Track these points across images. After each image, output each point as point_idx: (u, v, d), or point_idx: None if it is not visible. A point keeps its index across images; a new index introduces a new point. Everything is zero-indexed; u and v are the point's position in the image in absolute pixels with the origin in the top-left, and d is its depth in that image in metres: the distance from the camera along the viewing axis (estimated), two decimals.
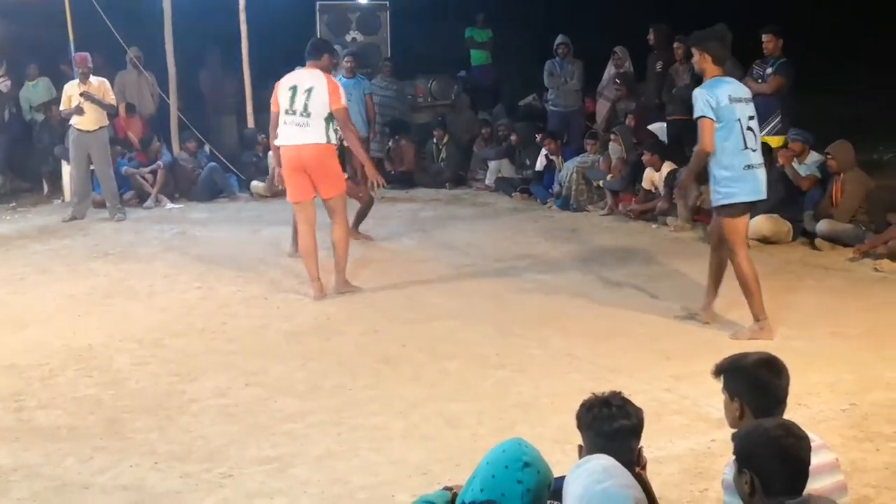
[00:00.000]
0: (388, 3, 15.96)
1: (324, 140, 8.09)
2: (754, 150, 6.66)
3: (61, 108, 12.20)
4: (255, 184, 13.56)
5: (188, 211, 12.70)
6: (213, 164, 13.47)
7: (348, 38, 15.69)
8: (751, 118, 6.68)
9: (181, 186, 13.52)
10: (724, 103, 6.56)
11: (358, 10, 16.00)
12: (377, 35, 15.86)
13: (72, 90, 11.90)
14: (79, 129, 11.87)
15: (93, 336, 7.15)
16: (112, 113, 12.41)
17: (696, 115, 6.66)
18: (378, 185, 8.54)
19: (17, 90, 14.70)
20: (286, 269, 9.05)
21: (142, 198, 13.08)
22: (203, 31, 14.78)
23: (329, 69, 8.36)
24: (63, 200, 13.40)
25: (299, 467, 4.90)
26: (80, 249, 10.29)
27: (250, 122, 14.38)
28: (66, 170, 13.44)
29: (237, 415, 5.62)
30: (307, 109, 8.05)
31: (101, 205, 12.36)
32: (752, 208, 6.89)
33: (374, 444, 5.16)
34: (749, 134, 6.63)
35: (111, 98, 12.14)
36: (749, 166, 6.64)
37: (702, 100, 6.60)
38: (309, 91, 8.05)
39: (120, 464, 4.97)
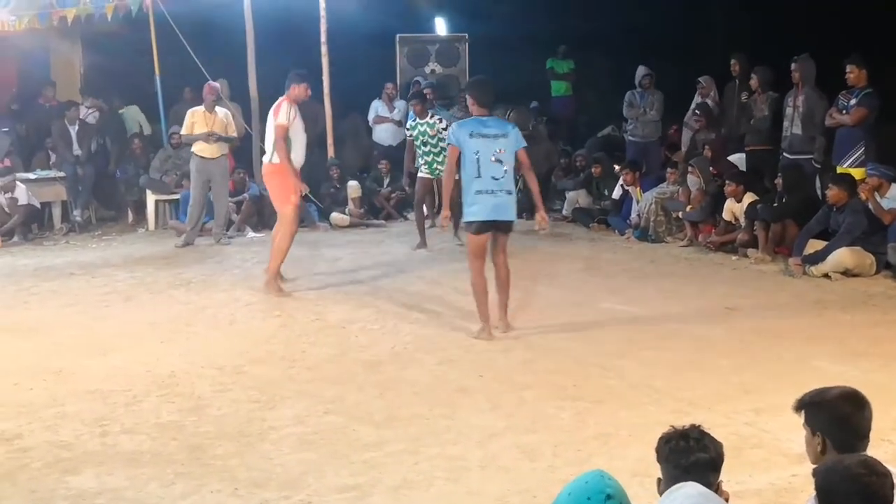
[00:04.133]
0: (466, 35, 16.09)
1: (267, 160, 9.51)
2: (495, 179, 7.59)
3: (182, 132, 12.51)
4: (334, 215, 13.71)
5: (269, 240, 12.78)
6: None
7: (427, 69, 15.88)
8: (500, 151, 7.61)
9: (263, 216, 13.70)
10: (464, 139, 7.60)
11: (437, 42, 16.20)
12: (456, 66, 16.01)
13: (195, 117, 12.23)
14: (201, 157, 12.21)
15: (175, 363, 7.25)
16: (235, 143, 12.90)
17: (446, 142, 8.26)
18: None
19: (104, 120, 15.08)
20: (362, 299, 9.12)
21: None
22: (285, 63, 14.97)
23: (298, 97, 9.45)
24: (147, 229, 13.69)
25: (377, 496, 4.90)
26: (164, 277, 10.45)
27: (330, 153, 14.54)
28: (151, 199, 13.74)
29: (316, 442, 5.66)
30: (265, 134, 9.66)
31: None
32: (490, 227, 7.75)
33: (452, 474, 5.16)
34: (494, 165, 7.58)
35: (232, 129, 12.52)
36: (479, 192, 7.61)
37: (451, 131, 7.88)
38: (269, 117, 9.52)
39: (201, 489, 5.03)
